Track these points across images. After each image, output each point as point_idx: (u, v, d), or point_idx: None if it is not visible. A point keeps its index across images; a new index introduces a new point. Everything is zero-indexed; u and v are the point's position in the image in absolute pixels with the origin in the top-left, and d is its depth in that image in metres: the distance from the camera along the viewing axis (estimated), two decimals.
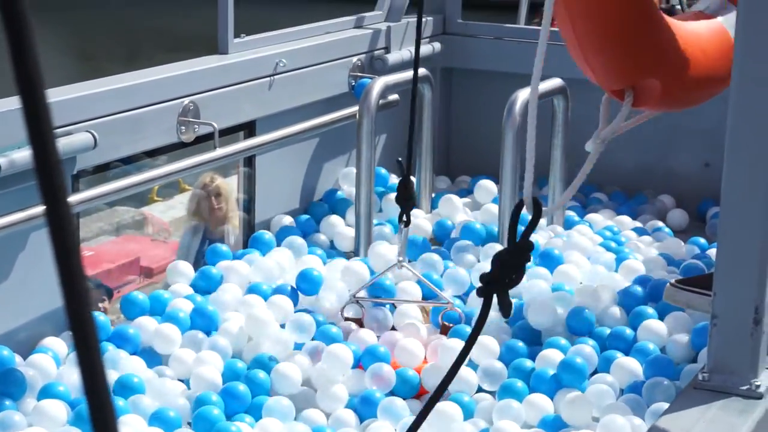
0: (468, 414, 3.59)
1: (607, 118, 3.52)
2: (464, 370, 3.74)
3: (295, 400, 3.61)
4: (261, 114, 4.80)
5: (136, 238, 6.09)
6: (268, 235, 4.71)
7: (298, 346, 3.87)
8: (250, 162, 4.87)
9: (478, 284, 2.15)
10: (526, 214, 4.79)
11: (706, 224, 5.41)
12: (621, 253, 4.75)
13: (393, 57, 5.49)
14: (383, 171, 5.34)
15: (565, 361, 3.74)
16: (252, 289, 4.23)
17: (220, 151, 4.43)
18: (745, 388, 2.88)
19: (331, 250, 4.81)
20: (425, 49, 5.76)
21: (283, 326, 3.93)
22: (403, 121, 5.48)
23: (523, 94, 4.69)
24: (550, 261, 4.48)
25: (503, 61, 5.82)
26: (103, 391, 0.83)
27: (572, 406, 3.55)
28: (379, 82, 4.84)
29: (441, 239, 4.94)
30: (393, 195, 5.13)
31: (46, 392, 3.51)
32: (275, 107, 4.86)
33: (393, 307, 4.14)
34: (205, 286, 4.28)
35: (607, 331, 4.04)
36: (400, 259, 4.17)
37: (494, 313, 3.92)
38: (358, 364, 3.81)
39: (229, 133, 4.66)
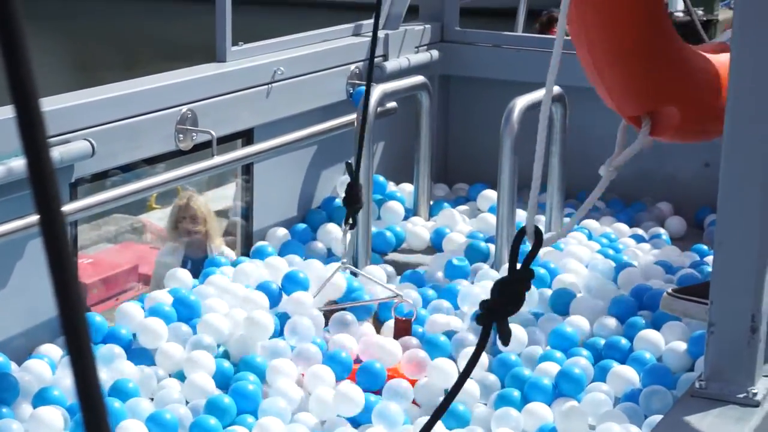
0: (464, 423, 3.59)
1: (623, 145, 3.51)
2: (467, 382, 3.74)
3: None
4: (259, 122, 4.80)
5: (134, 245, 6.10)
6: (270, 248, 4.69)
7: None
8: (247, 170, 4.88)
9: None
10: (520, 222, 4.78)
11: (704, 231, 5.41)
12: (619, 261, 4.76)
13: (391, 65, 5.50)
14: (381, 178, 5.34)
15: (563, 371, 3.74)
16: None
17: (217, 159, 4.43)
18: (742, 395, 2.89)
19: (329, 258, 4.81)
20: (423, 56, 5.77)
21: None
22: (401, 129, 5.50)
23: (521, 102, 4.69)
24: (548, 272, 4.49)
25: (501, 68, 5.82)
26: (97, 398, 0.83)
27: (567, 416, 3.54)
28: (377, 90, 4.85)
29: (438, 248, 4.95)
30: (392, 203, 5.15)
31: (41, 398, 3.51)
32: (273, 115, 4.86)
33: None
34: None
35: (602, 341, 4.03)
36: (344, 261, 4.17)
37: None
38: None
39: (226, 141, 4.66)
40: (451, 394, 2.03)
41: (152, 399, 3.66)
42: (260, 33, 5.77)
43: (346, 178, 5.22)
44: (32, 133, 0.82)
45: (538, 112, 4.87)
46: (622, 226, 5.30)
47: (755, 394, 2.88)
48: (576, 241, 4.93)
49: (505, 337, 2.12)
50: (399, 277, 4.66)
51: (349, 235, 4.21)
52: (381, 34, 5.58)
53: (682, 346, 3.93)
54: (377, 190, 5.20)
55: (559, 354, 3.91)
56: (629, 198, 5.71)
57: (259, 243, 4.78)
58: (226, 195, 5.62)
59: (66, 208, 3.81)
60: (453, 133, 6.04)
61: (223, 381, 3.74)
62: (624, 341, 4.00)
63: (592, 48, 3.54)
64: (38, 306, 3.85)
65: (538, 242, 2.19)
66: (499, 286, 2.12)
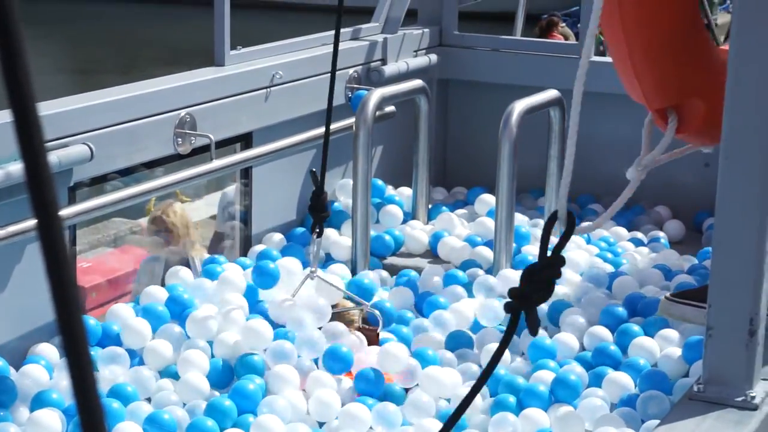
0: (460, 428, 3.59)
1: (648, 143, 3.50)
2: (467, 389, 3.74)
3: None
4: (257, 126, 4.80)
5: (133, 249, 6.09)
6: (275, 252, 4.68)
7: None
8: (246, 173, 4.88)
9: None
10: (519, 226, 4.79)
11: (703, 235, 5.41)
12: (618, 264, 4.76)
13: (389, 69, 5.50)
14: (380, 182, 5.34)
15: (559, 378, 3.74)
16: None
17: (216, 163, 4.44)
18: (740, 399, 2.89)
19: (327, 261, 4.81)
20: (422, 60, 5.77)
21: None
22: (400, 133, 5.50)
23: (519, 106, 4.69)
24: None
25: (500, 72, 5.83)
26: (94, 401, 0.83)
27: (564, 421, 3.54)
28: (376, 94, 4.85)
29: (437, 251, 4.95)
30: (391, 206, 5.15)
31: (39, 401, 3.51)
32: (272, 119, 4.86)
33: None
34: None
35: (588, 353, 4.03)
36: (312, 269, 4.17)
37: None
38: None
39: (225, 144, 4.67)
40: (479, 382, 1.97)
41: (149, 399, 3.67)
42: (259, 37, 5.78)
43: (346, 182, 5.24)
44: (30, 137, 0.82)
45: (536, 116, 4.91)
46: (621, 230, 5.30)
47: (753, 398, 2.88)
48: (575, 245, 4.93)
49: (534, 326, 2.06)
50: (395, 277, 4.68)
51: (315, 245, 4.19)
52: (380, 38, 5.59)
53: (677, 352, 3.92)
54: (376, 194, 5.20)
55: (552, 363, 3.90)
56: (628, 201, 5.67)
57: (262, 247, 4.76)
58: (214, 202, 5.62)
59: (65, 211, 3.81)
60: (451, 137, 6.04)
61: (217, 380, 3.75)
62: (613, 347, 3.98)
63: (628, 36, 3.53)
64: (37, 310, 3.85)
65: (571, 228, 2.14)
66: (528, 274, 2.05)
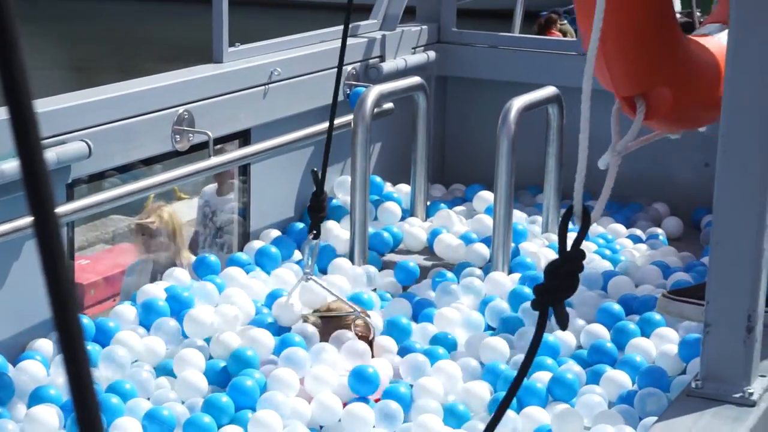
0: (463, 422, 3.59)
1: (618, 131, 3.52)
2: (477, 384, 3.74)
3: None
4: (256, 123, 4.80)
5: (131, 246, 6.10)
6: (274, 249, 4.68)
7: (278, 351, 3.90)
8: (245, 170, 4.88)
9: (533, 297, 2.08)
10: (517, 223, 4.78)
11: (701, 232, 5.41)
12: (616, 261, 4.76)
13: (388, 66, 5.50)
14: (378, 179, 5.34)
15: (556, 376, 3.74)
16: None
17: (214, 160, 4.44)
18: (738, 395, 2.89)
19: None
20: (420, 57, 5.77)
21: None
22: (398, 130, 5.51)
23: (517, 103, 4.69)
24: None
25: (498, 69, 5.83)
26: (91, 398, 0.83)
27: (563, 419, 3.54)
28: (374, 91, 4.85)
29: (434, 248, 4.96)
30: (389, 203, 5.15)
31: (36, 397, 3.52)
32: (270, 116, 4.86)
33: None
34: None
35: (585, 351, 4.03)
36: (307, 272, 4.16)
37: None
38: None
39: (223, 141, 4.67)
40: (520, 375, 1.97)
41: (148, 399, 3.67)
42: (257, 34, 5.78)
43: (344, 179, 5.24)
44: (26, 134, 0.82)
45: (534, 113, 4.91)
46: (619, 227, 5.30)
47: (751, 394, 2.89)
48: None
49: (564, 321, 2.06)
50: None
51: (315, 245, 4.18)
52: (378, 35, 5.59)
53: (673, 349, 3.92)
54: (374, 191, 5.20)
55: (550, 361, 3.90)
56: (626, 199, 5.71)
57: (262, 244, 4.75)
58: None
59: (62, 209, 3.81)
60: (450, 134, 6.04)
61: (214, 378, 3.75)
62: (610, 344, 3.99)
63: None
64: (34, 307, 3.85)
65: (587, 222, 2.14)
66: (551, 270, 2.05)
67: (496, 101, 4.92)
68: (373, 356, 3.96)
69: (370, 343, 4.00)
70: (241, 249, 4.86)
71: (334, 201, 5.22)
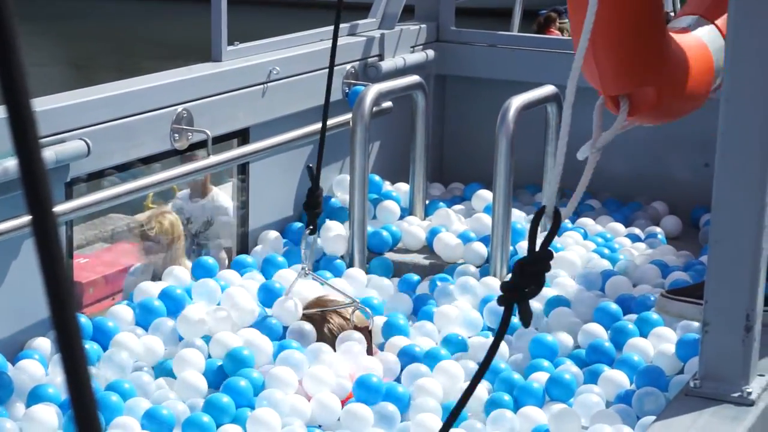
0: (459, 421, 3.59)
1: (600, 125, 3.53)
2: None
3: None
4: (255, 121, 4.80)
5: (130, 245, 6.10)
6: (280, 259, 4.66)
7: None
8: (243, 169, 4.88)
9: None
10: (516, 222, 4.79)
11: (700, 231, 5.41)
12: (615, 260, 4.76)
13: (386, 64, 5.50)
14: (377, 178, 5.34)
15: (554, 377, 3.74)
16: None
17: (213, 159, 4.43)
18: (736, 394, 2.89)
19: (324, 256, 4.81)
20: (419, 56, 5.77)
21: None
22: (397, 129, 5.50)
23: (516, 101, 4.69)
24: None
25: (497, 68, 5.82)
26: (88, 397, 0.83)
27: (560, 418, 3.54)
28: (373, 90, 4.85)
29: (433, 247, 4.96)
30: (388, 202, 5.15)
31: (35, 396, 3.51)
32: (269, 114, 4.86)
33: None
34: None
35: (583, 351, 4.03)
36: (304, 266, 4.16)
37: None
38: None
39: (222, 140, 4.66)
40: (476, 377, 1.98)
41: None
42: (256, 33, 5.78)
43: (343, 178, 5.24)
44: (24, 133, 0.82)
45: (533, 112, 4.91)
46: (618, 226, 5.30)
47: (750, 393, 2.89)
48: (572, 241, 4.93)
49: (527, 319, 2.10)
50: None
51: (312, 240, 4.18)
52: (377, 33, 5.59)
53: (671, 349, 3.92)
54: (373, 190, 5.20)
55: (546, 363, 3.90)
56: (624, 197, 5.71)
57: (272, 254, 4.74)
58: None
59: (61, 207, 3.81)
60: (449, 132, 6.04)
61: (212, 378, 3.75)
62: (608, 344, 3.99)
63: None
64: (32, 305, 3.85)
65: (557, 223, 2.17)
66: (519, 268, 2.10)
67: (495, 100, 4.92)
68: (371, 345, 3.96)
69: (369, 333, 4.00)
70: (241, 248, 4.85)
71: (333, 200, 5.22)
